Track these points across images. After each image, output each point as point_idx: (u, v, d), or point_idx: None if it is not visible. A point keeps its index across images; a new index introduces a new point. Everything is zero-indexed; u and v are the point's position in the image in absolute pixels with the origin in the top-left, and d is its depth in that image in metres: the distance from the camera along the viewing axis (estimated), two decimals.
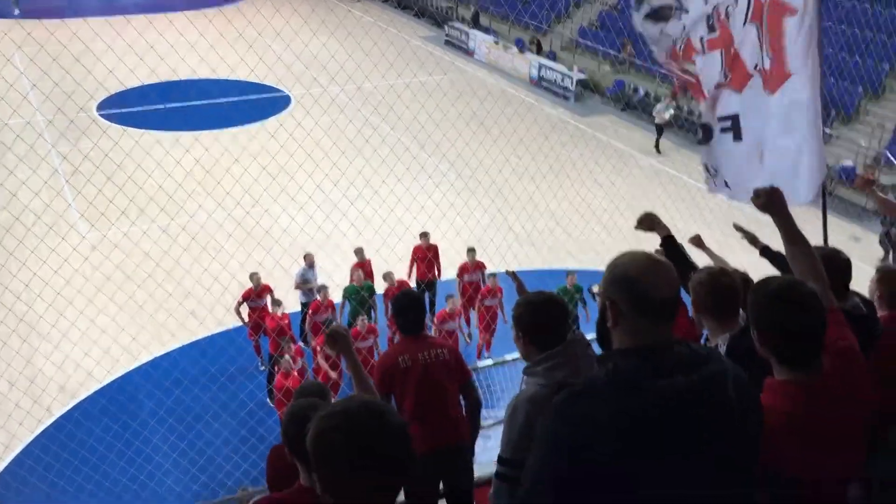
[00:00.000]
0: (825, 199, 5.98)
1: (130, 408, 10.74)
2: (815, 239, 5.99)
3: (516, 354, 9.06)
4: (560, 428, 2.08)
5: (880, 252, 16.70)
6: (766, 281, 2.67)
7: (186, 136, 16.29)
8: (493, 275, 12.90)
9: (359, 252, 13.07)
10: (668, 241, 4.67)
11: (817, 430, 2.50)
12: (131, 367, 11.87)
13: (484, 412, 9.78)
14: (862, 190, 17.70)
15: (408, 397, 5.23)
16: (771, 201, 3.14)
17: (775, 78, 5.10)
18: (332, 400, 4.02)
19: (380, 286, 12.63)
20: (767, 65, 5.13)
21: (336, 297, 12.41)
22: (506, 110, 16.74)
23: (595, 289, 2.85)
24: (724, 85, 5.49)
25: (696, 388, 2.06)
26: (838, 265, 3.96)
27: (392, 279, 12.56)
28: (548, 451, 2.10)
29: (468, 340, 12.82)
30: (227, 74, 14.61)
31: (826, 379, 2.54)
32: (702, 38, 5.42)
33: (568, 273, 12.85)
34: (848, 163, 19.66)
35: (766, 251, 4.78)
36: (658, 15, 5.51)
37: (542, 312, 3.32)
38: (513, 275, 4.92)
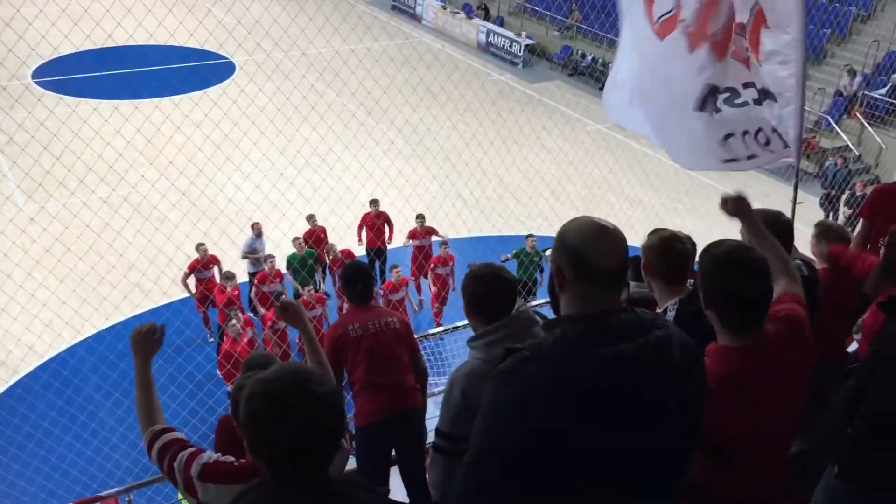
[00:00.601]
0: (798, 171, 6.05)
1: (74, 382, 10.52)
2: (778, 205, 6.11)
3: (465, 322, 9.12)
4: (508, 393, 2.06)
5: (821, 214, 17.09)
6: (716, 244, 2.69)
7: (126, 105, 15.87)
8: (445, 243, 12.92)
9: (310, 219, 13.00)
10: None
11: (756, 395, 2.53)
12: (74, 342, 11.62)
13: (434, 379, 9.89)
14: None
15: (359, 366, 5.23)
16: (740, 207, 3.31)
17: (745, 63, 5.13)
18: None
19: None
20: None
21: (283, 265, 12.30)
22: (453, 76, 16.63)
23: (548, 253, 2.85)
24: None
25: (643, 354, 2.06)
26: (779, 227, 4.02)
27: (335, 251, 12.52)
28: (495, 419, 2.08)
29: (416, 309, 12.82)
30: (166, 40, 14.19)
31: (767, 345, 2.57)
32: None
33: (527, 236, 12.97)
34: None
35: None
36: None
37: (488, 285, 3.28)
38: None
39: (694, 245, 4.63)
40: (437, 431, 3.27)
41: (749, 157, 5.52)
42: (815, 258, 4.79)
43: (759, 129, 5.38)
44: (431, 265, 12.91)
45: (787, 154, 5.43)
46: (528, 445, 2.00)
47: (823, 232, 4.89)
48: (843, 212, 16.71)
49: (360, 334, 5.18)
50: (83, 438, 9.59)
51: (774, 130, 5.33)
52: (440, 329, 10.10)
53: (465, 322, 9.14)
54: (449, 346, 10.49)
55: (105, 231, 11.18)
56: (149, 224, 10.91)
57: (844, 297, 4.79)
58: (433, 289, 12.92)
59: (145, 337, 3.24)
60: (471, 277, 3.35)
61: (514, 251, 12.77)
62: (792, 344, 2.63)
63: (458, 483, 2.16)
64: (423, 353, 9.38)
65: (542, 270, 12.80)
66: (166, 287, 11.78)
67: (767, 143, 5.42)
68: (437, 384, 9.44)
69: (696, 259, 4.53)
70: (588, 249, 2.11)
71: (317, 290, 12.21)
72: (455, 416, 3.15)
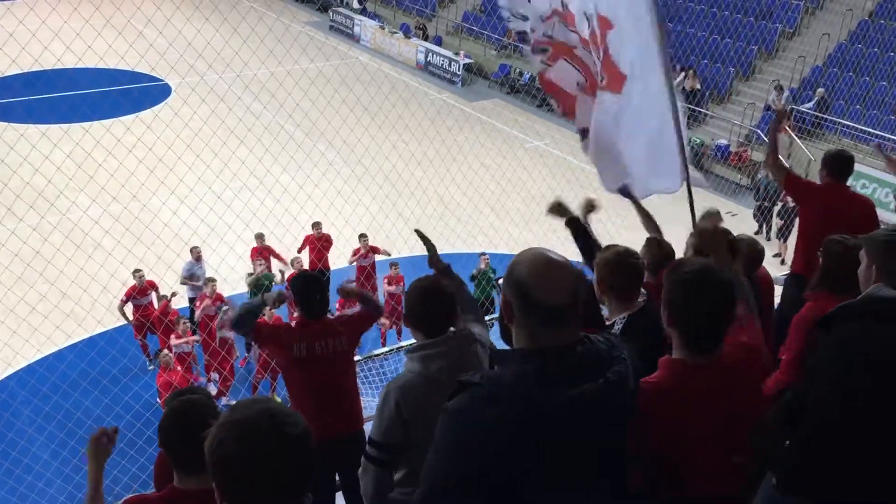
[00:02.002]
0: (689, 183, 6.19)
1: (5, 416, 10.15)
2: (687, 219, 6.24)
3: (412, 341, 9.09)
4: (462, 432, 2.00)
5: (754, 226, 17.51)
6: (683, 262, 2.70)
7: (55, 129, 15.45)
8: (396, 264, 12.92)
9: (259, 237, 12.92)
10: (572, 223, 4.67)
11: (701, 409, 2.54)
12: (5, 374, 11.22)
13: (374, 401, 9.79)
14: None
15: (300, 388, 5.12)
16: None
17: (614, 80, 5.30)
18: (212, 400, 3.87)
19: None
20: (599, 72, 5.35)
21: (224, 290, 12.09)
22: (391, 96, 16.64)
23: (500, 281, 2.85)
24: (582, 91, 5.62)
25: (601, 396, 2.01)
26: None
27: (300, 265, 12.59)
28: (448, 458, 2.02)
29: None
30: (95, 63, 13.88)
31: (722, 365, 2.59)
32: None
33: (481, 254, 13.03)
34: (722, 141, 20.51)
35: (571, 222, 4.68)
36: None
37: (427, 298, 3.30)
38: (421, 234, 4.70)
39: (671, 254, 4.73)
40: (370, 440, 3.27)
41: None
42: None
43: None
44: (384, 281, 12.95)
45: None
46: (480, 487, 1.96)
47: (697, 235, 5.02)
48: (776, 222, 17.16)
49: (305, 356, 5.02)
50: (15, 475, 9.23)
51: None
52: (385, 350, 10.04)
53: (410, 342, 9.09)
54: (395, 365, 10.41)
55: (35, 260, 10.85)
56: (81, 251, 10.60)
57: (766, 308, 4.96)
58: (385, 315, 12.91)
59: (99, 442, 3.18)
60: (411, 289, 3.35)
61: (472, 273, 12.79)
62: (750, 373, 2.67)
63: None
64: (366, 373, 9.39)
65: (497, 287, 12.84)
66: (101, 315, 11.46)
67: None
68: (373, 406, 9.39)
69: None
70: (535, 284, 2.02)
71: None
72: (388, 426, 3.16)
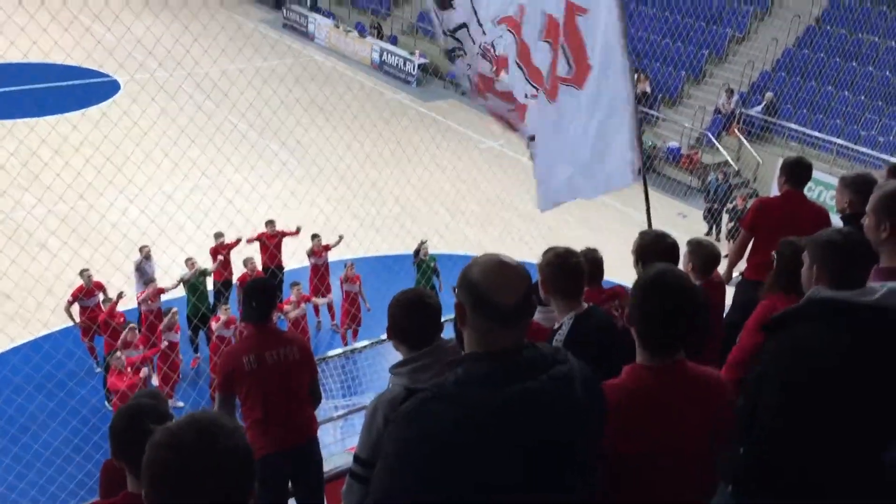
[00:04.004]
0: (646, 181, 6.25)
1: None
2: (641, 217, 6.30)
3: (367, 342, 9.04)
4: (408, 436, 2.02)
5: (704, 227, 17.80)
6: (650, 267, 2.72)
7: (4, 123, 15.05)
8: (351, 263, 12.87)
9: (217, 236, 12.78)
10: None
11: (664, 415, 2.55)
12: None
13: (342, 401, 9.73)
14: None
15: (253, 400, 4.99)
16: None
17: (580, 74, 5.34)
18: (165, 403, 3.78)
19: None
20: (568, 69, 5.39)
21: (175, 291, 11.95)
22: (346, 95, 16.55)
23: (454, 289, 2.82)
24: (533, 97, 5.66)
25: (545, 390, 2.05)
26: (663, 249, 4.14)
27: (253, 265, 12.53)
28: (396, 463, 2.04)
29: (318, 328, 12.69)
30: (41, 58, 13.54)
31: (683, 369, 2.60)
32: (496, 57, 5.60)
33: (421, 242, 13.05)
34: (674, 143, 20.80)
35: None
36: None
37: (411, 311, 3.23)
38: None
39: (597, 261, 4.76)
40: (356, 458, 3.19)
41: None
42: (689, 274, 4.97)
43: None
44: (340, 280, 12.96)
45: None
46: (428, 491, 1.97)
47: (694, 250, 5.08)
48: (725, 224, 17.46)
49: (256, 368, 4.90)
50: None
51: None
52: (340, 351, 9.97)
53: (364, 343, 9.06)
54: (360, 364, 10.37)
55: None
56: (25, 252, 10.33)
57: (717, 310, 5.04)
58: (343, 313, 12.98)
59: None
60: (394, 303, 3.28)
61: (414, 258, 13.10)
62: (706, 376, 2.67)
63: None
64: (325, 374, 9.31)
65: (438, 274, 13.16)
66: (46, 318, 11.18)
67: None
68: (338, 407, 9.31)
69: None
70: (488, 285, 2.10)
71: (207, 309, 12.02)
72: (376, 442, 3.07)
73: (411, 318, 3.22)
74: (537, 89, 5.54)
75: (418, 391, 2.08)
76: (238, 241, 13.00)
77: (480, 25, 5.38)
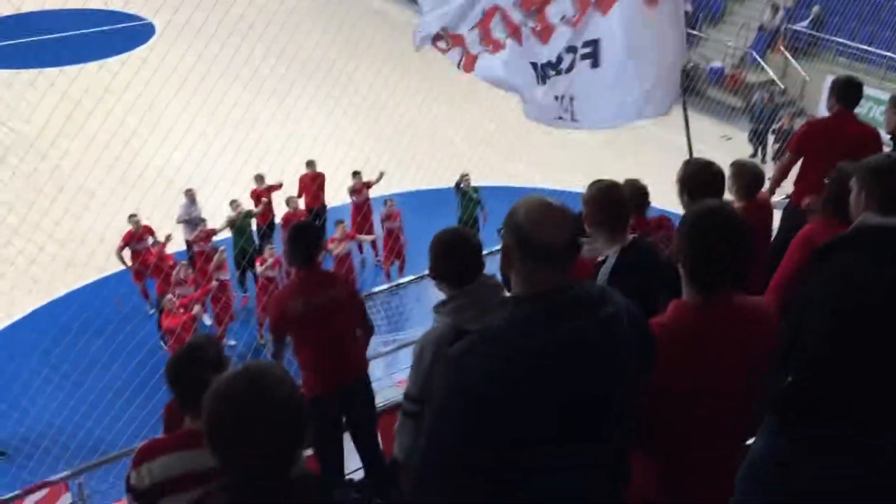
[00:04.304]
0: (685, 105, 6.13)
1: (10, 367, 10.26)
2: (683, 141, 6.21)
3: (411, 277, 9.15)
4: (457, 380, 2.07)
5: (750, 149, 17.46)
6: (699, 203, 2.71)
7: (33, 74, 15.19)
8: (392, 199, 12.93)
9: (258, 178, 12.93)
10: None
11: (706, 353, 2.56)
12: (4, 325, 11.30)
13: (388, 336, 9.90)
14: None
15: (303, 343, 5.15)
16: None
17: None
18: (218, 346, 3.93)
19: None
20: None
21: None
22: (382, 28, 16.37)
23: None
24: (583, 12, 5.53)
25: (589, 331, 2.08)
26: (708, 177, 4.10)
27: (295, 204, 12.71)
28: (445, 406, 2.09)
29: (363, 264, 12.88)
30: (79, 4, 13.58)
31: (729, 309, 2.61)
32: None
33: (463, 175, 13.03)
34: (717, 63, 20.26)
35: None
36: None
37: (453, 253, 3.26)
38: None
39: (643, 190, 4.74)
40: (407, 396, 3.28)
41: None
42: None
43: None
44: (381, 217, 13.04)
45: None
46: (480, 432, 2.01)
47: (738, 171, 5.02)
48: (771, 145, 17.10)
49: (304, 311, 4.99)
50: (26, 424, 9.39)
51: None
52: (385, 287, 10.11)
53: (410, 278, 9.17)
54: (404, 300, 10.51)
55: (32, 211, 10.81)
56: (76, 201, 10.57)
57: (764, 232, 5.00)
58: (384, 250, 13.11)
59: None
60: (434, 242, 3.31)
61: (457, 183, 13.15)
62: (751, 312, 2.68)
63: (413, 465, 2.17)
64: (371, 310, 9.48)
65: (482, 206, 13.12)
66: (100, 264, 11.48)
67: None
68: (390, 340, 9.47)
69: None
70: (533, 227, 2.12)
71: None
72: (425, 379, 3.16)
73: (452, 257, 3.25)
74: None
75: (467, 332, 2.13)
76: (280, 185, 13.12)
77: None
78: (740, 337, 2.62)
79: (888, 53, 18.39)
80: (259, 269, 11.54)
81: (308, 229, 5.51)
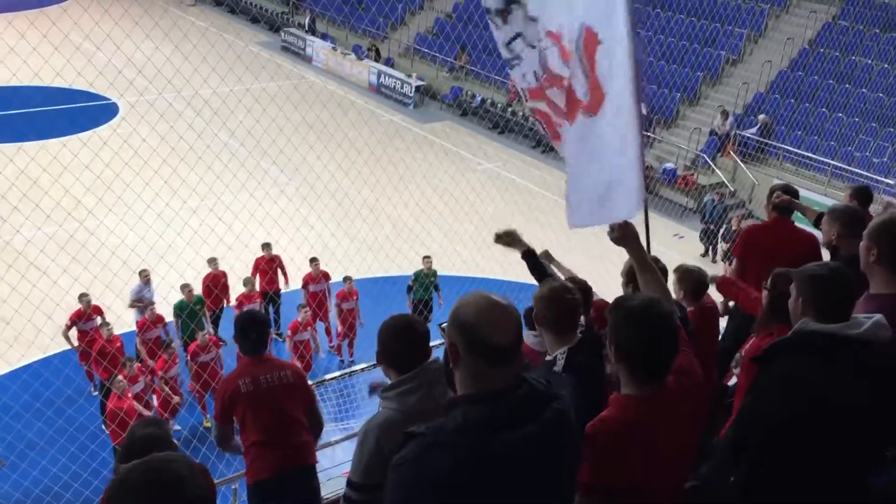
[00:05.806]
0: (647, 205, 6.28)
1: None
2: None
3: (365, 364, 9.06)
4: (410, 483, 2.05)
5: (701, 248, 17.87)
6: (629, 298, 2.76)
7: (5, 148, 15.12)
8: (350, 278, 12.92)
9: (212, 262, 12.80)
10: (528, 256, 4.79)
11: (655, 441, 2.61)
12: None
13: (334, 425, 9.73)
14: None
15: (251, 424, 5.07)
16: (623, 235, 3.41)
17: (594, 101, 5.32)
18: (169, 430, 3.83)
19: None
20: (586, 92, 5.34)
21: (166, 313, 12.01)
22: (344, 119, 16.66)
23: (443, 326, 2.85)
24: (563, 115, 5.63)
25: (543, 433, 2.09)
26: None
27: (252, 285, 12.67)
28: None
29: (318, 350, 12.71)
30: (50, 81, 13.63)
31: (668, 394, 2.66)
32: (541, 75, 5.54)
33: (424, 258, 13.15)
34: (669, 164, 20.92)
35: (527, 255, 4.85)
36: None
37: (401, 338, 3.28)
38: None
39: (587, 290, 4.80)
40: (349, 482, 3.23)
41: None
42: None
43: None
44: (336, 300, 13.00)
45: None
46: None
47: (682, 277, 5.15)
48: (721, 245, 17.53)
49: (252, 390, 5.00)
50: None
51: None
52: (338, 374, 9.97)
53: (365, 365, 9.06)
54: (353, 387, 10.40)
55: None
56: (25, 280, 10.37)
57: (711, 336, 5.10)
58: (340, 328, 13.11)
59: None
60: (383, 329, 3.32)
61: (414, 273, 13.29)
62: (690, 394, 2.73)
63: None
64: (323, 397, 9.33)
65: (438, 289, 13.36)
66: (45, 343, 11.19)
67: None
68: (336, 430, 9.30)
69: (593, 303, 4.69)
70: (481, 325, 2.10)
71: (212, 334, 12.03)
72: (368, 465, 3.13)
73: (400, 344, 3.27)
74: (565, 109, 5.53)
75: (417, 435, 2.09)
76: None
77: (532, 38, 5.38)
78: (680, 423, 2.66)
79: (833, 161, 19.17)
80: (188, 357, 11.39)
81: (257, 320, 5.46)
